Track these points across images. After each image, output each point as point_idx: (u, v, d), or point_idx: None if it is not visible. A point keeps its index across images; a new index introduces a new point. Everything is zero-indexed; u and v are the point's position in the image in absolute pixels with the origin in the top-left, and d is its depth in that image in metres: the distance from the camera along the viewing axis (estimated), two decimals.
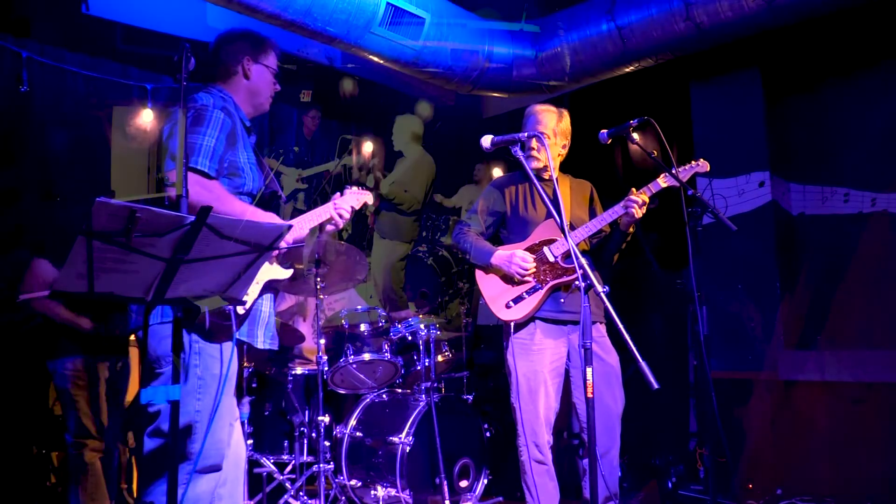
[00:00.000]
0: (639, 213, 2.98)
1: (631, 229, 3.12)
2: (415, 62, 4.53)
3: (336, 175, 6.03)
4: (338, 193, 2.60)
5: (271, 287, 2.44)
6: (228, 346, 2.25)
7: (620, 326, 2.18)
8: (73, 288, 1.64)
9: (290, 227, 2.38)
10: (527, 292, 3.08)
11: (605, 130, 3.01)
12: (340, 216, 2.51)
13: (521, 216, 3.22)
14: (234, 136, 2.35)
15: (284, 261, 2.46)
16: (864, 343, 4.07)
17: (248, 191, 2.40)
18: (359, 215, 6.12)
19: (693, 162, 3.06)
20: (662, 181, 3.01)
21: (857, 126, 4.33)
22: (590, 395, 2.24)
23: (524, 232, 3.19)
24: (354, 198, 2.59)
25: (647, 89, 4.90)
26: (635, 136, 3.00)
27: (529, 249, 3.12)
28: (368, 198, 2.64)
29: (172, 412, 1.85)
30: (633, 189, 3.00)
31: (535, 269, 3.08)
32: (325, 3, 3.88)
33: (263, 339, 2.39)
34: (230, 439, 2.34)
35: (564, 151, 3.26)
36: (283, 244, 2.32)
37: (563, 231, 2.44)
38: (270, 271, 2.38)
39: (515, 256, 3.08)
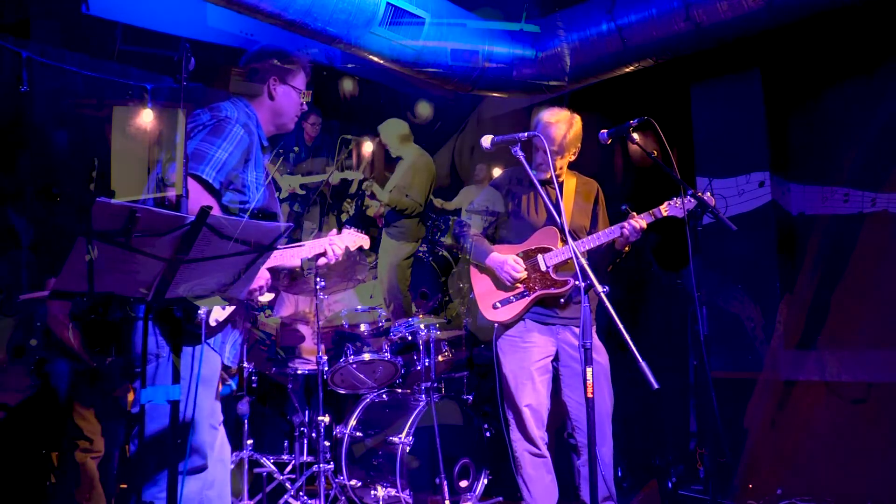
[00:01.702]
0: (633, 237, 3.00)
1: (626, 249, 3.15)
2: (415, 62, 4.53)
3: (338, 184, 6.03)
4: (334, 230, 2.67)
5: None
6: (204, 350, 2.26)
7: (620, 326, 2.19)
8: (73, 288, 1.64)
9: (290, 226, 2.39)
10: (514, 296, 3.15)
11: (605, 130, 3.01)
12: (334, 252, 2.58)
13: (521, 218, 3.24)
14: (249, 154, 2.35)
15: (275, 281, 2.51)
16: (864, 343, 4.07)
17: (250, 208, 2.41)
18: (368, 218, 6.12)
19: (701, 194, 3.04)
20: (665, 210, 3.03)
21: (858, 126, 4.33)
22: (590, 394, 2.25)
23: (523, 234, 3.22)
24: (351, 239, 2.66)
25: (647, 89, 4.90)
26: (635, 136, 3.00)
27: (524, 254, 3.16)
28: (365, 242, 2.72)
29: (172, 412, 1.86)
30: (634, 213, 3.02)
31: (525, 277, 3.12)
32: (325, 3, 3.88)
33: (229, 355, 2.41)
34: (214, 441, 2.35)
35: (574, 157, 3.27)
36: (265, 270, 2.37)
37: (565, 240, 2.47)
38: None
39: (507, 263, 3.13)
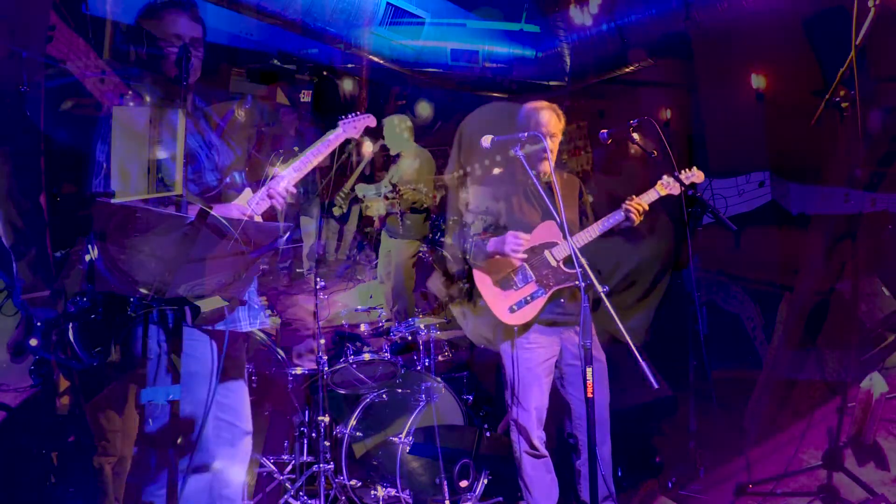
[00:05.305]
0: (638, 220, 2.99)
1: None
2: (415, 62, 4.54)
3: (338, 170, 5.99)
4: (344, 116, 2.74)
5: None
6: (195, 344, 2.23)
7: (620, 326, 2.19)
8: (72, 287, 1.64)
9: (290, 226, 2.38)
10: (530, 296, 3.10)
11: (605, 130, 3.02)
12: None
13: (516, 217, 3.23)
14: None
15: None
16: (865, 343, 4.07)
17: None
18: (364, 217, 6.09)
19: (687, 170, 3.08)
20: (662, 189, 3.03)
21: (857, 125, 4.32)
22: (590, 394, 2.25)
23: (523, 232, 3.20)
24: (353, 126, 2.77)
25: (647, 89, 4.90)
26: (635, 136, 3.01)
27: (531, 251, 3.14)
28: (371, 122, 2.82)
29: (172, 411, 1.86)
30: (634, 196, 3.01)
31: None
32: (325, 3, 3.88)
33: (248, 321, 2.31)
34: (232, 438, 2.33)
35: (556, 148, 3.28)
36: (290, 188, 2.36)
37: (565, 236, 2.47)
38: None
39: (507, 237, 3.06)
